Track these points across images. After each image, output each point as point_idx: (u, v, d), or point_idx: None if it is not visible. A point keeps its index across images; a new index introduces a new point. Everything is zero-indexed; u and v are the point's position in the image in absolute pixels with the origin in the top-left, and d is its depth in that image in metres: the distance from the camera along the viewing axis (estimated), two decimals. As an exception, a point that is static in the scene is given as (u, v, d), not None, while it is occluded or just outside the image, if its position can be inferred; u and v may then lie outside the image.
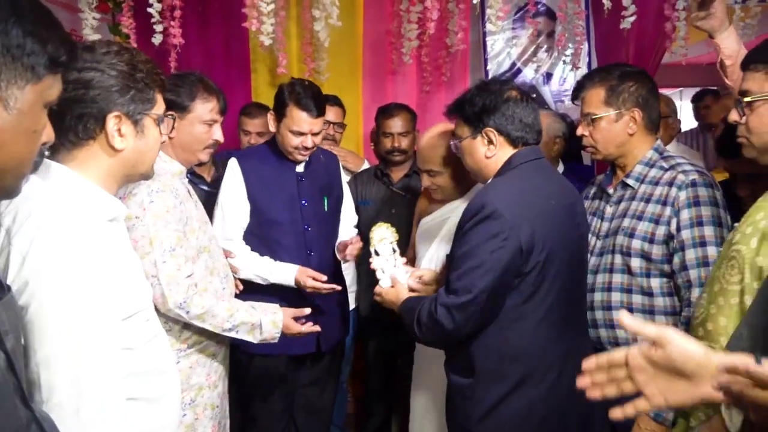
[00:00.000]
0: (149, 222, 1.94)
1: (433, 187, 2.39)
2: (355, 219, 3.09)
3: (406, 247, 2.75)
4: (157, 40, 3.56)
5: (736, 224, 1.55)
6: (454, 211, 2.37)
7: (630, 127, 2.13)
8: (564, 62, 4.28)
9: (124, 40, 3.68)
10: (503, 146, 1.94)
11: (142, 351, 1.41)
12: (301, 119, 2.57)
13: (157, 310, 1.88)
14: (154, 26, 3.53)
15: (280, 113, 2.63)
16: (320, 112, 2.61)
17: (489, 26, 3.59)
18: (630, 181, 2.15)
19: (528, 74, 4.40)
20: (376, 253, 2.30)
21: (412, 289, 2.19)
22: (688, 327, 1.69)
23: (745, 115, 1.50)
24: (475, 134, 1.95)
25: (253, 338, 2.16)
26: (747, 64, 1.52)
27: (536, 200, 1.86)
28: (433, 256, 2.44)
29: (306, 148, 2.62)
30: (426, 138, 2.43)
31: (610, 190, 2.23)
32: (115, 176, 1.40)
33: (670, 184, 2.03)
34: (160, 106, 1.44)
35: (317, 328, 2.35)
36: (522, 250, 1.76)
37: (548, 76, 4.39)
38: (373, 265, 2.30)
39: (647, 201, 2.08)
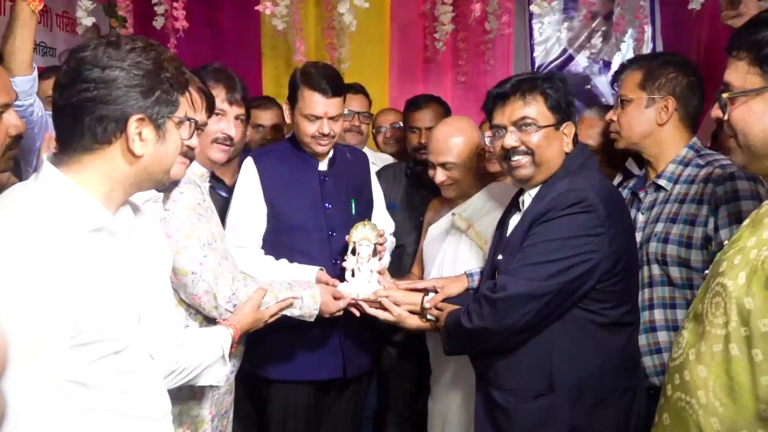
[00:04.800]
0: (183, 214, 1.87)
1: (448, 182, 2.33)
2: (391, 226, 2.76)
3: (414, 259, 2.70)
4: (158, 23, 3.22)
5: (725, 241, 1.39)
6: (464, 211, 2.32)
7: (660, 116, 2.03)
8: (619, 48, 3.89)
9: (120, 23, 3.33)
10: (570, 144, 1.90)
11: (103, 387, 1.28)
12: (313, 100, 2.37)
13: (199, 314, 1.93)
14: (155, 8, 3.20)
15: (293, 99, 2.45)
16: (335, 92, 2.40)
17: (534, 8, 3.14)
18: (662, 182, 2.02)
19: (581, 62, 4.04)
20: (353, 252, 2.26)
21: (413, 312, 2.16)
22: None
23: (727, 112, 1.33)
24: (559, 126, 1.87)
25: (290, 312, 2.11)
26: (730, 49, 1.33)
27: (619, 200, 1.88)
28: (442, 263, 2.39)
29: (324, 136, 2.41)
30: (442, 128, 2.37)
31: (642, 194, 2.10)
32: (126, 183, 1.32)
33: (706, 180, 1.90)
34: (182, 109, 1.37)
35: (355, 311, 2.28)
36: (611, 252, 1.72)
37: (606, 64, 3.99)
38: (346, 264, 2.27)
39: (681, 202, 1.94)
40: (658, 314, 1.93)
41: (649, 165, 2.10)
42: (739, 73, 1.30)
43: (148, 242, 1.49)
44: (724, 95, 1.33)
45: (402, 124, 3.44)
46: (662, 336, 1.91)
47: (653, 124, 2.03)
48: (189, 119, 1.42)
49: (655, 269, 1.95)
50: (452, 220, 2.35)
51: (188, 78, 1.41)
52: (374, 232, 2.30)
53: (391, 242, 2.74)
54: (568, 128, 1.88)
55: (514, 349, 1.79)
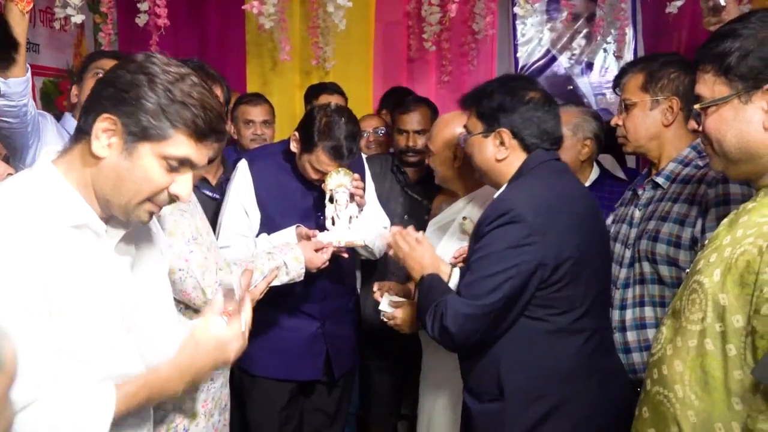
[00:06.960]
0: (165, 212, 1.79)
1: (431, 166, 2.38)
2: (386, 221, 2.75)
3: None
4: (141, 20, 3.19)
5: (707, 241, 1.41)
6: (460, 212, 2.32)
7: (666, 117, 2.01)
8: (605, 50, 3.90)
9: (103, 19, 3.30)
10: (516, 150, 1.86)
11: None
12: (328, 164, 2.33)
13: (189, 308, 1.90)
14: (138, 5, 3.17)
15: (306, 146, 2.35)
16: (351, 155, 2.34)
17: (518, 9, 3.15)
18: (660, 180, 2.00)
19: (564, 63, 4.03)
20: (331, 200, 2.27)
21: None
22: None
23: (701, 123, 1.39)
24: (488, 133, 1.88)
25: (279, 281, 2.10)
26: (697, 64, 1.40)
27: (562, 206, 1.78)
28: (441, 256, 2.32)
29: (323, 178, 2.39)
30: (441, 117, 2.43)
31: (640, 192, 2.08)
32: (93, 188, 1.26)
33: (700, 181, 1.88)
34: (174, 148, 1.24)
35: (344, 254, 2.30)
36: (548, 260, 1.69)
37: (588, 65, 4.00)
38: (326, 213, 2.28)
39: (675, 201, 1.93)
40: (648, 311, 1.93)
41: (652, 165, 2.09)
42: (707, 85, 1.36)
43: (151, 246, 1.47)
44: (696, 106, 1.38)
45: (384, 130, 3.46)
46: (651, 333, 1.90)
47: (659, 126, 2.02)
48: (170, 161, 1.25)
49: (646, 267, 1.94)
50: (461, 224, 2.32)
51: (205, 125, 1.24)
52: (348, 178, 2.29)
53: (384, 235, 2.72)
54: (501, 136, 1.84)
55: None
